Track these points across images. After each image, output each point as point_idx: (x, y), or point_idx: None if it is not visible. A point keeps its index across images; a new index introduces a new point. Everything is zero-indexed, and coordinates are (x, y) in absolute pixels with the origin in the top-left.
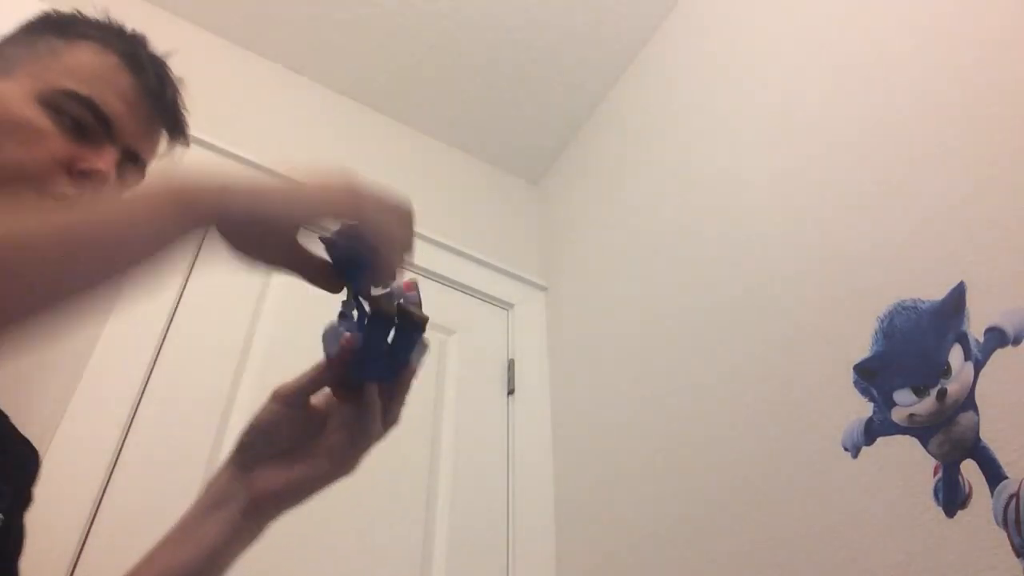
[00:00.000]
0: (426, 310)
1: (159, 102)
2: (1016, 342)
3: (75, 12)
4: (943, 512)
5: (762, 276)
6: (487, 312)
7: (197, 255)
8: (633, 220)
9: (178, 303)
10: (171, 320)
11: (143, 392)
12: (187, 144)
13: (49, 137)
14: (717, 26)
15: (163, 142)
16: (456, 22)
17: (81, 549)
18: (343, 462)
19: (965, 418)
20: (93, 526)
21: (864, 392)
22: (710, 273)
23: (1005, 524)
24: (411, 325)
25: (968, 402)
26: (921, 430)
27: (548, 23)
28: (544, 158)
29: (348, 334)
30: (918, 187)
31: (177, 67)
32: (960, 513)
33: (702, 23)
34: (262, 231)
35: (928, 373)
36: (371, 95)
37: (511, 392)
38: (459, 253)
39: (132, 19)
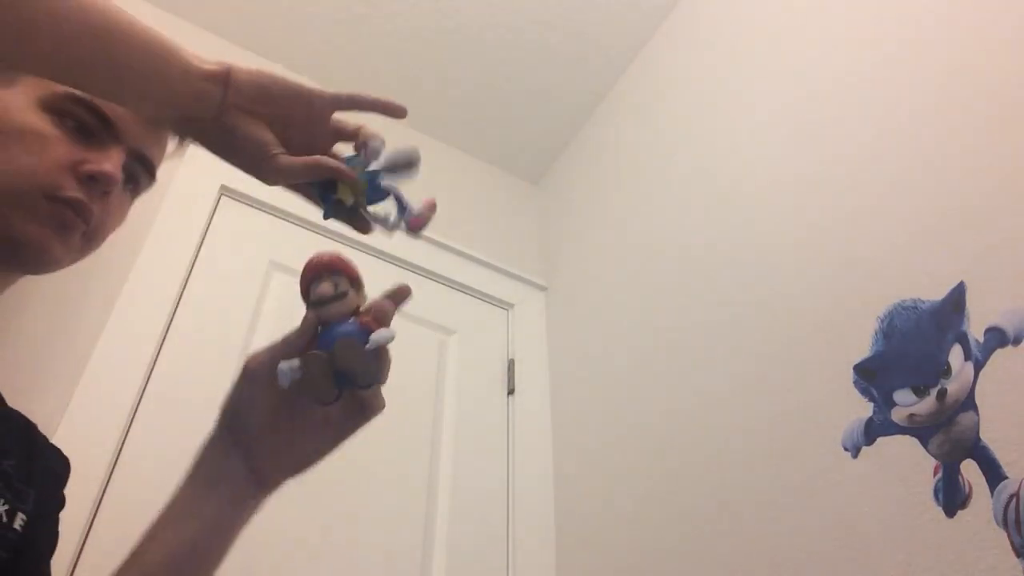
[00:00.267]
0: (426, 310)
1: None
2: (1016, 342)
3: None
4: (943, 512)
5: (762, 276)
6: (487, 312)
7: (197, 255)
8: (633, 220)
9: (178, 303)
10: (171, 320)
11: (143, 392)
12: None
13: (54, 142)
14: (717, 26)
15: (171, 142)
16: (456, 22)
17: (81, 549)
18: (343, 428)
19: (965, 418)
20: (93, 526)
21: (864, 392)
22: (710, 273)
23: (1005, 524)
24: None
25: (968, 402)
26: (921, 430)
27: (548, 23)
28: (544, 158)
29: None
30: (918, 187)
31: None
32: (960, 513)
33: (702, 23)
34: (278, 92)
35: (928, 373)
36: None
37: (511, 392)
38: (459, 253)
39: None
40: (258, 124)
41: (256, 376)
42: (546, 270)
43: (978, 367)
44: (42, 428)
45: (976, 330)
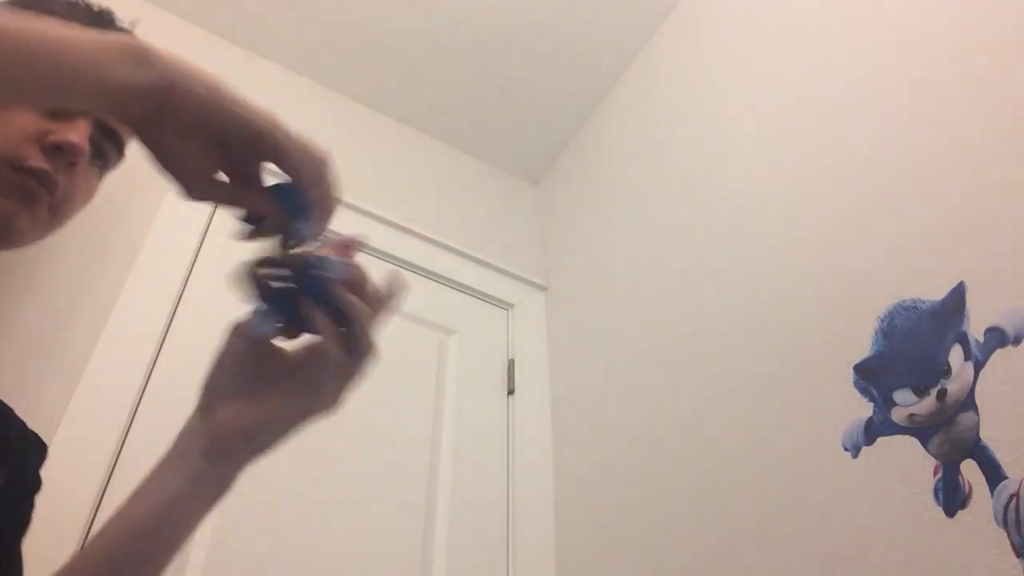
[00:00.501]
0: (426, 310)
1: None
2: (1016, 342)
3: None
4: (943, 512)
5: (762, 275)
6: (487, 312)
7: (197, 255)
8: (633, 220)
9: (178, 303)
10: (171, 320)
11: (143, 392)
12: None
13: (19, 113)
14: (717, 27)
15: None
16: (456, 22)
17: (82, 549)
18: (317, 398)
19: (965, 418)
20: (94, 526)
21: (864, 392)
22: (710, 272)
23: (1005, 524)
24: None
25: (968, 402)
26: (921, 430)
27: (548, 23)
28: (544, 158)
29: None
30: (918, 187)
31: None
32: (960, 513)
33: (702, 23)
34: (218, 125)
35: (928, 373)
36: (371, 95)
37: (511, 392)
38: (459, 253)
39: (132, 18)
40: (191, 147)
41: (232, 340)
42: (546, 270)
43: (978, 367)
44: (42, 428)
45: (976, 330)
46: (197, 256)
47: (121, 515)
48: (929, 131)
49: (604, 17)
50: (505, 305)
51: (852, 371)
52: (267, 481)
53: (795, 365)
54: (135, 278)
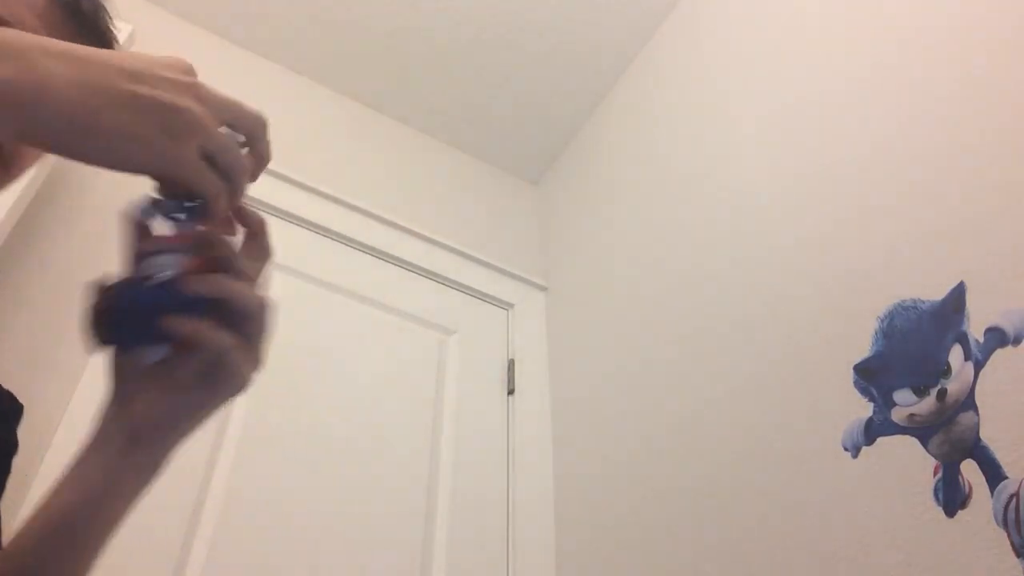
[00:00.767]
0: (426, 310)
1: (76, 14)
2: (1016, 342)
3: None
4: (943, 512)
5: (762, 275)
6: (487, 312)
7: None
8: (633, 220)
9: None
10: None
11: None
12: None
13: None
14: (717, 27)
15: None
16: (456, 22)
17: None
18: (218, 382)
19: (965, 418)
20: None
21: (864, 392)
22: (710, 272)
23: (1005, 524)
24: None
25: (968, 402)
26: (921, 430)
27: (548, 23)
28: (544, 158)
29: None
30: (918, 187)
31: None
32: (960, 513)
33: (702, 23)
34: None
35: (928, 373)
36: (371, 95)
37: (511, 392)
38: (459, 253)
39: (132, 18)
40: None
41: None
42: (546, 270)
43: (978, 367)
44: (42, 429)
45: (976, 330)
46: None
47: (44, 508)
48: (929, 131)
49: (604, 17)
50: (505, 305)
51: (852, 371)
52: (267, 480)
53: (795, 365)
54: None
